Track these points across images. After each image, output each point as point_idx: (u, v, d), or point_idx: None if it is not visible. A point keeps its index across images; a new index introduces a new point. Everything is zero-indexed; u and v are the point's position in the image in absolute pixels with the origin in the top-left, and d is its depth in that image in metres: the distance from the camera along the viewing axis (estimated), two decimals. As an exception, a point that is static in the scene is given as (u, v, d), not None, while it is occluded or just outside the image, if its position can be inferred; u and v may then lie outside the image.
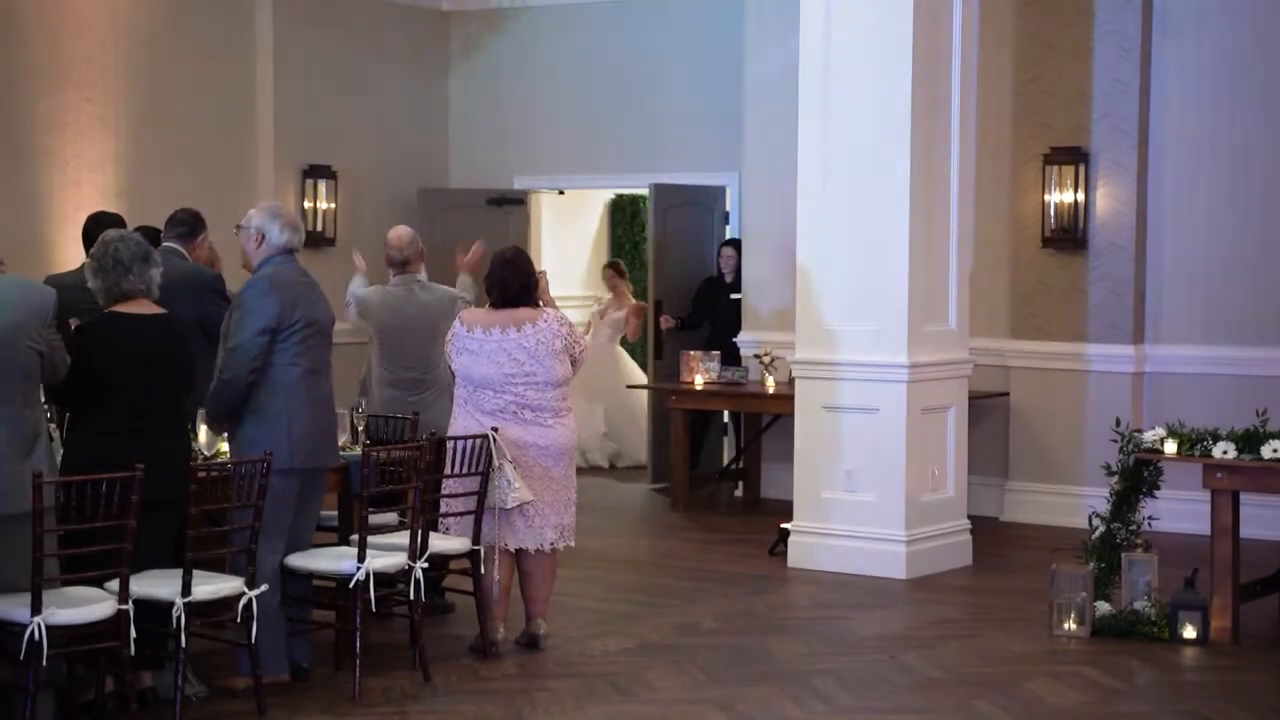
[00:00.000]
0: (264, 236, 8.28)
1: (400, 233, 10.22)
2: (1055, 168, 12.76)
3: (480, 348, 8.81)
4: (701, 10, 14.72)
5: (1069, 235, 12.75)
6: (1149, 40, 12.54)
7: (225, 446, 8.33)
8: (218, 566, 7.77)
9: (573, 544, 9.14)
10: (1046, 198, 12.80)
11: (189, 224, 9.39)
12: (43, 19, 12.75)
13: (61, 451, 7.65)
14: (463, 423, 8.87)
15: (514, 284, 8.94)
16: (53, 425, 7.98)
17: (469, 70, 15.83)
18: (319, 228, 14.64)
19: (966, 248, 11.40)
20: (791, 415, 11.39)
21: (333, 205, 14.76)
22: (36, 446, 7.12)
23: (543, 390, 8.88)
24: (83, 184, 12.90)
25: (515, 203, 15.56)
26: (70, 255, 12.21)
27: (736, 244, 14.28)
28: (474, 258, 10.73)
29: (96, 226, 9.50)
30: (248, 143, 14.26)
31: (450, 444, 8.67)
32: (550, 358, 8.86)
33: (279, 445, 7.93)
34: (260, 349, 8.00)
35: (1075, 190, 12.70)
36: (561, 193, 16.61)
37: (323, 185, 14.72)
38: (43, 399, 7.47)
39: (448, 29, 15.88)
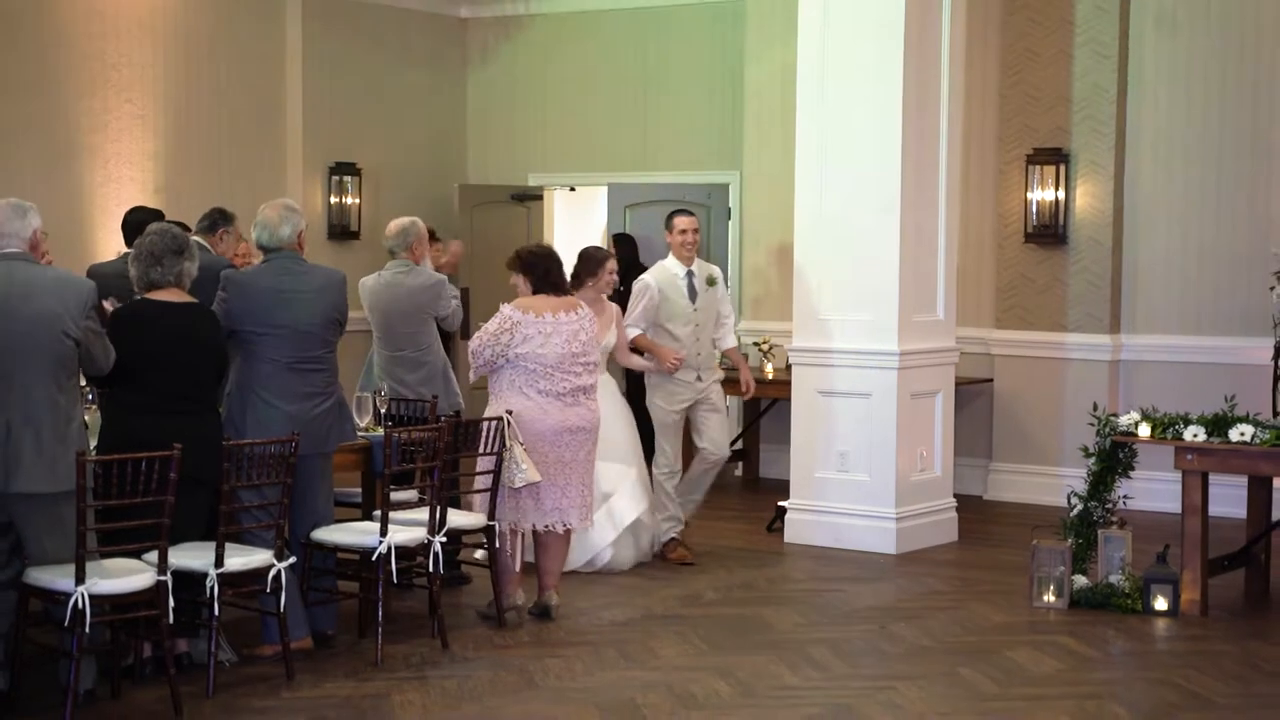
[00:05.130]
0: (253, 240, 8.31)
1: (396, 224, 10.15)
2: (1037, 167, 12.76)
3: (554, 330, 8.82)
4: (704, 18, 14.70)
5: (1050, 231, 12.75)
6: (1125, 48, 12.54)
7: None
8: (238, 540, 7.79)
9: (590, 523, 9.20)
10: (1029, 196, 12.80)
11: (210, 220, 9.39)
12: (85, 25, 12.75)
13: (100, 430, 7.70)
14: (519, 404, 8.82)
15: (558, 270, 9.06)
16: (94, 407, 8.02)
17: (485, 74, 15.82)
18: (345, 222, 14.67)
19: (954, 243, 11.40)
20: (789, 400, 11.40)
21: (358, 200, 14.77)
22: (71, 429, 7.14)
23: (591, 372, 9.02)
24: (123, 180, 12.91)
25: (535, 198, 15.66)
26: (110, 247, 12.24)
27: (624, 239, 14.31)
28: (453, 259, 10.94)
29: (133, 219, 9.59)
30: (277, 141, 14.26)
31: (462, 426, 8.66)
32: (592, 340, 8.98)
33: (238, 437, 7.86)
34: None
35: (1056, 189, 12.70)
36: (572, 189, 16.60)
37: (348, 181, 14.72)
38: (81, 384, 7.49)
39: (465, 36, 15.87)
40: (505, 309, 8.90)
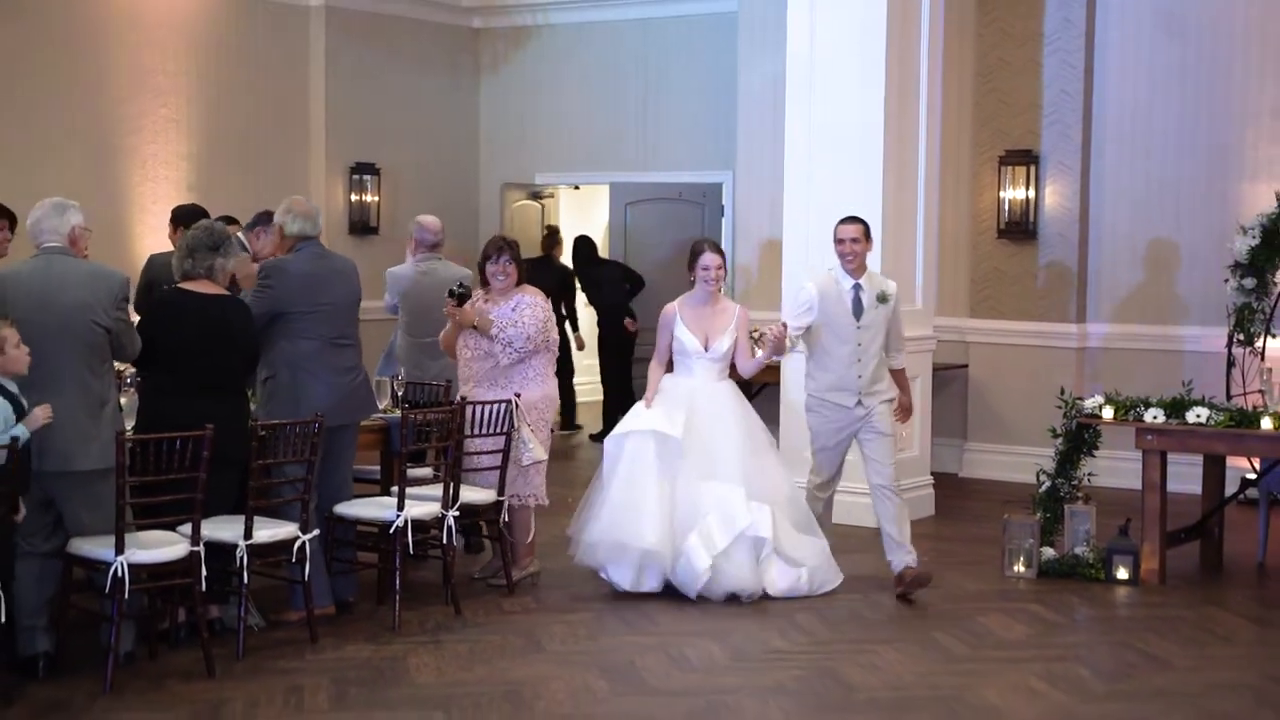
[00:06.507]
0: (282, 230, 8.32)
1: (434, 220, 10.21)
2: (1009, 168, 12.75)
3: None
4: (700, 29, 14.70)
5: (1021, 227, 12.74)
6: (1091, 57, 12.53)
7: None
8: (267, 513, 7.80)
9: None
10: (1001, 194, 12.79)
11: (254, 221, 9.51)
12: (125, 35, 12.75)
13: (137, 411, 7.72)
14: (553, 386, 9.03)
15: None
16: (131, 390, 8.04)
17: (496, 80, 15.81)
18: (365, 218, 14.66)
19: (932, 238, 11.38)
20: (778, 384, 11.39)
21: (377, 198, 14.76)
22: (104, 411, 7.15)
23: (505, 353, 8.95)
24: (159, 179, 12.92)
25: (548, 196, 15.82)
26: (148, 241, 12.28)
27: (582, 240, 14.72)
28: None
29: (179, 212, 9.73)
30: (302, 143, 14.26)
31: (471, 409, 8.63)
32: (514, 324, 8.90)
33: (292, 411, 7.93)
34: (260, 324, 8.02)
35: (1027, 188, 12.69)
36: (577, 187, 16.60)
37: (368, 180, 14.71)
38: (119, 369, 7.52)
39: (478, 44, 15.85)
40: (539, 300, 8.95)
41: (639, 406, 8.94)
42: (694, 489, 8.66)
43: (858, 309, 8.93)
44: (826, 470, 9.13)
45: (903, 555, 8.91)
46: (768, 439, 9.07)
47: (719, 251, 8.98)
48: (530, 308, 8.85)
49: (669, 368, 9.03)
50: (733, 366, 9.06)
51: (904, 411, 9.35)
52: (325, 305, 8.19)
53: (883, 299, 8.98)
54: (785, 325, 8.82)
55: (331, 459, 8.18)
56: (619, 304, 14.72)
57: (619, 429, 8.88)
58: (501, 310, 8.83)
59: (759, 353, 8.96)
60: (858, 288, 8.95)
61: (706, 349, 8.87)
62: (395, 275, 10.09)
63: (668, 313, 8.97)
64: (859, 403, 8.92)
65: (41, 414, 6.76)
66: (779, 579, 8.72)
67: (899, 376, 9.24)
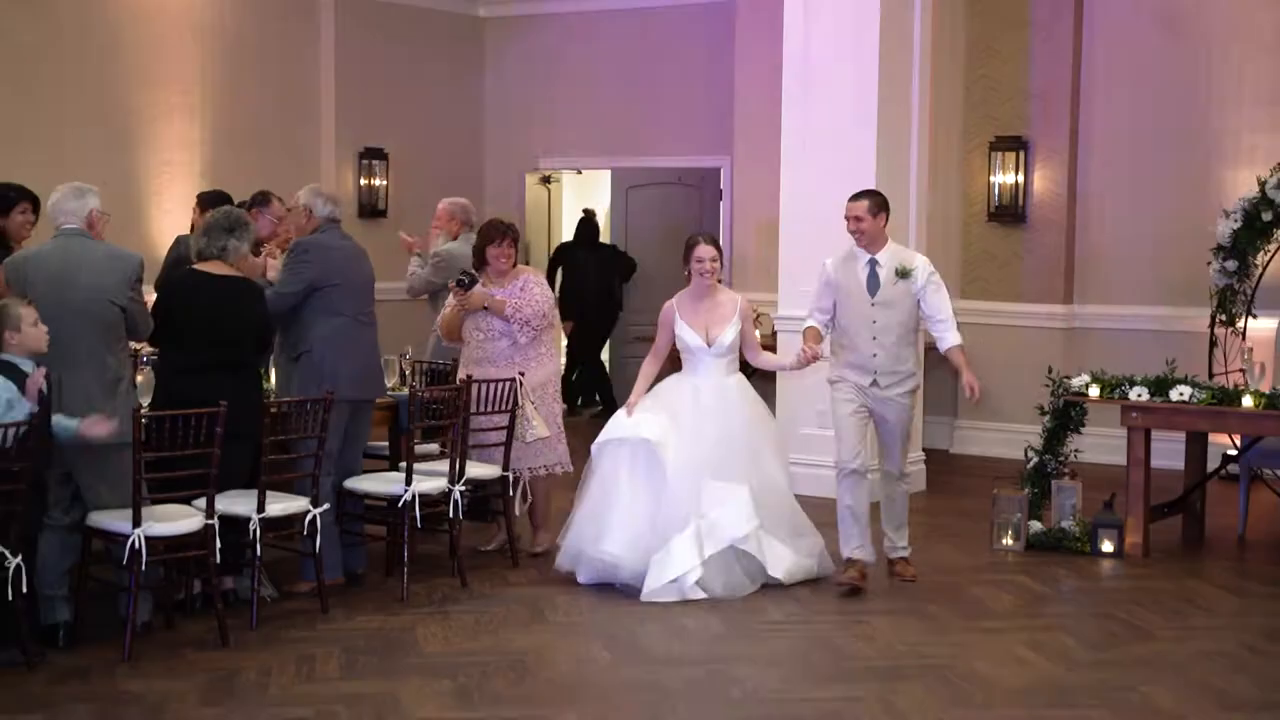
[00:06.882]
0: (311, 211, 8.34)
1: (466, 202, 10.26)
2: (999, 154, 12.74)
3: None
4: (699, 18, 14.66)
5: (1010, 211, 12.74)
6: (1079, 45, 12.51)
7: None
8: (283, 488, 7.81)
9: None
10: (992, 179, 12.79)
11: (251, 201, 9.34)
12: (143, 26, 12.71)
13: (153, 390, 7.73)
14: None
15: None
16: (146, 368, 8.05)
17: (501, 67, 15.77)
18: (374, 201, 14.65)
19: (924, 221, 11.37)
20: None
21: (385, 182, 14.74)
22: (119, 389, 7.19)
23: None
24: (174, 164, 12.89)
25: (555, 181, 15.85)
26: (163, 224, 12.27)
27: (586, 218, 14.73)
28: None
29: (204, 197, 9.73)
30: (312, 129, 14.22)
31: (477, 387, 8.64)
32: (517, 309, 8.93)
33: (323, 383, 7.96)
34: (293, 299, 8.09)
35: (1016, 173, 12.68)
36: (579, 172, 16.59)
37: (377, 165, 14.69)
38: (129, 348, 7.53)
39: (483, 33, 15.82)
40: (541, 278, 9.09)
41: (620, 414, 8.47)
42: (690, 487, 8.17)
43: (873, 284, 8.31)
44: (844, 448, 8.33)
45: (903, 542, 8.67)
46: (775, 438, 8.67)
47: (713, 244, 8.54)
48: (538, 285, 8.92)
49: (678, 364, 8.66)
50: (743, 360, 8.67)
51: (970, 388, 8.31)
52: (355, 281, 8.31)
53: (903, 274, 8.30)
54: (813, 351, 8.19)
55: (351, 434, 8.22)
56: (609, 289, 14.86)
57: (601, 436, 8.45)
58: (509, 292, 8.84)
59: (769, 355, 8.60)
60: (874, 263, 8.34)
61: (710, 344, 8.39)
62: (456, 255, 9.76)
63: (666, 311, 8.55)
64: (874, 383, 8.32)
65: (39, 375, 6.73)
66: (780, 568, 8.30)
67: (954, 355, 8.41)
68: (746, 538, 8.15)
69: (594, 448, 8.46)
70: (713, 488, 8.16)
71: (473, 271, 8.91)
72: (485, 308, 8.81)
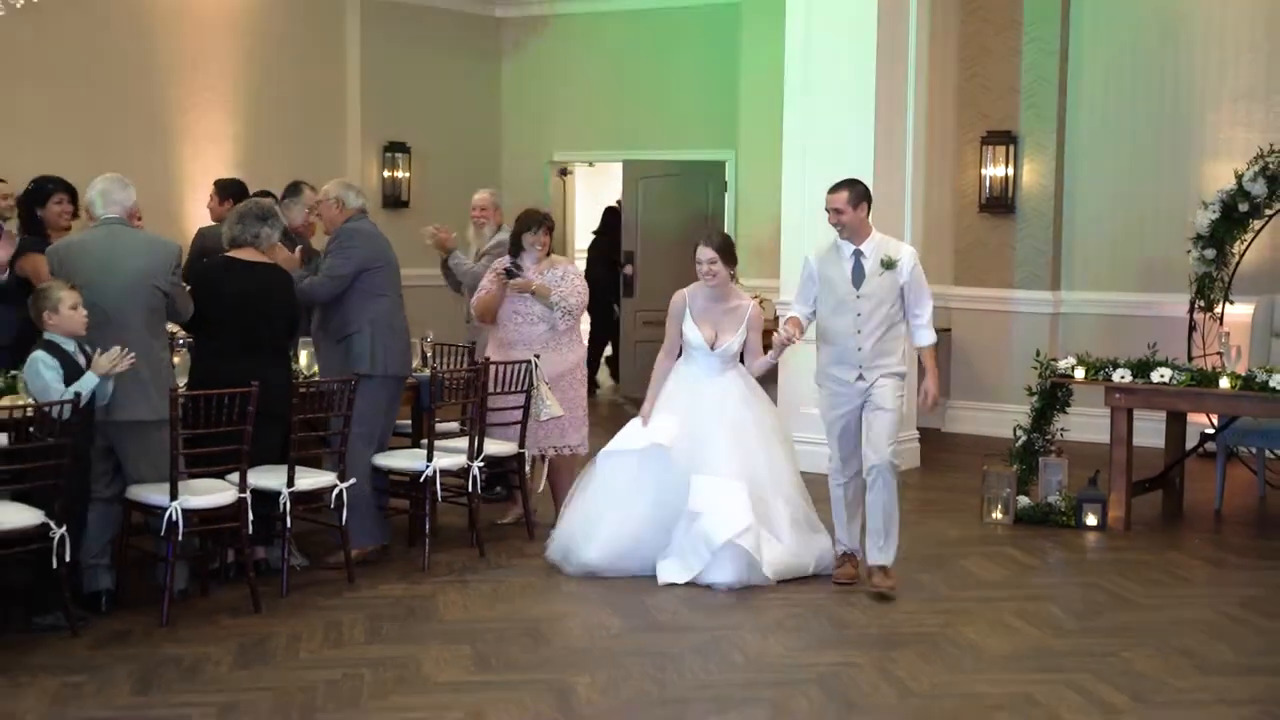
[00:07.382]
0: (342, 203, 8.36)
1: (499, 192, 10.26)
2: (990, 148, 12.75)
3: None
4: (705, 19, 14.67)
5: (1000, 202, 12.75)
6: (1066, 45, 12.51)
7: (316, 368, 8.39)
8: (316, 464, 7.87)
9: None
10: (983, 172, 12.80)
11: (285, 191, 9.36)
12: (176, 24, 12.75)
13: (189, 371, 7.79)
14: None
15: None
16: (184, 350, 8.11)
17: (517, 65, 15.79)
18: (397, 193, 14.69)
19: (918, 211, 11.38)
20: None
21: (408, 175, 14.78)
22: (162, 368, 7.26)
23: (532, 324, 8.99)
24: (206, 156, 12.93)
25: (569, 172, 15.95)
26: (198, 213, 12.31)
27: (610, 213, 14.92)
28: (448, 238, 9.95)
29: (222, 184, 9.74)
30: (339, 123, 14.26)
31: (495, 368, 8.66)
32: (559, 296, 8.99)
33: (372, 358, 8.05)
34: (345, 282, 8.11)
35: (1006, 166, 12.70)
36: (591, 164, 16.61)
37: (400, 158, 14.73)
38: (168, 330, 7.59)
39: (500, 32, 15.83)
40: (577, 268, 9.16)
41: (634, 423, 8.06)
42: (694, 484, 7.82)
43: (858, 276, 7.73)
44: (836, 454, 7.89)
45: (883, 547, 7.77)
46: (778, 430, 8.23)
47: (716, 245, 8.01)
48: (576, 276, 9.01)
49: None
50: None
51: (928, 396, 7.92)
52: (394, 264, 8.37)
53: (888, 264, 7.70)
54: (789, 334, 7.61)
55: (393, 411, 8.31)
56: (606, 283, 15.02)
57: (610, 446, 8.08)
58: (550, 280, 8.89)
59: (763, 360, 8.00)
60: (858, 254, 7.74)
61: (714, 347, 8.00)
62: (499, 240, 9.57)
63: (677, 302, 8.11)
64: (859, 377, 7.74)
65: (106, 361, 6.81)
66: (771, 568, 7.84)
67: (925, 355, 7.95)
68: (743, 534, 7.71)
69: (600, 456, 8.13)
70: (711, 484, 7.76)
71: (519, 262, 8.89)
72: (533, 292, 8.82)
